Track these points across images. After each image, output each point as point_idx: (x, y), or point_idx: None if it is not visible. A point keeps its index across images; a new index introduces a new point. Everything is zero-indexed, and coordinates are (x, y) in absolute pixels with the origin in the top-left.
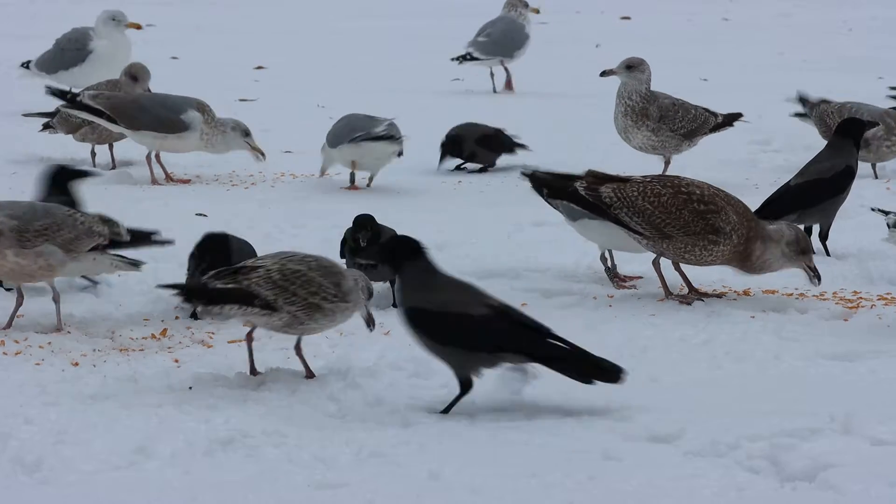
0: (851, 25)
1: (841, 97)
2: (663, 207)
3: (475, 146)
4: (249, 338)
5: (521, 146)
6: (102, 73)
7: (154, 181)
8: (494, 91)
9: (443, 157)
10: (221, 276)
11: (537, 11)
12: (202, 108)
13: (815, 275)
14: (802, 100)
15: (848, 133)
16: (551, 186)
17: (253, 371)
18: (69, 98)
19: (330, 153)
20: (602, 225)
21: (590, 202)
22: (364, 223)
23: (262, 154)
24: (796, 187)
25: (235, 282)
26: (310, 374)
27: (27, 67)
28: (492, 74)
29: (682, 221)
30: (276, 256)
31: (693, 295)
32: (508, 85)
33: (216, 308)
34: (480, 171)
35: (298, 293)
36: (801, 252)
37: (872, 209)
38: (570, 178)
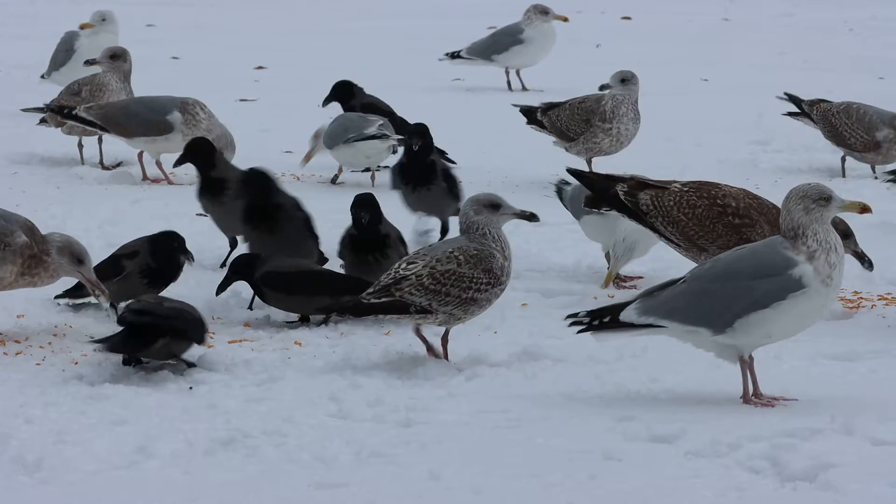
0: (852, 25)
1: (841, 97)
2: (697, 220)
3: (360, 109)
4: (418, 333)
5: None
6: (83, 71)
7: (144, 178)
8: (510, 89)
9: (329, 99)
10: (376, 290)
11: (565, 19)
12: (185, 108)
13: (865, 259)
14: (792, 98)
15: None
16: (594, 188)
17: (430, 351)
18: (66, 113)
19: (326, 151)
20: (605, 222)
21: (628, 208)
22: (366, 202)
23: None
24: None
25: (389, 295)
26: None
27: (45, 77)
28: (507, 73)
29: (716, 234)
30: (425, 256)
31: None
32: (510, 85)
33: (374, 318)
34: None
35: (451, 292)
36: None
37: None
38: (613, 180)
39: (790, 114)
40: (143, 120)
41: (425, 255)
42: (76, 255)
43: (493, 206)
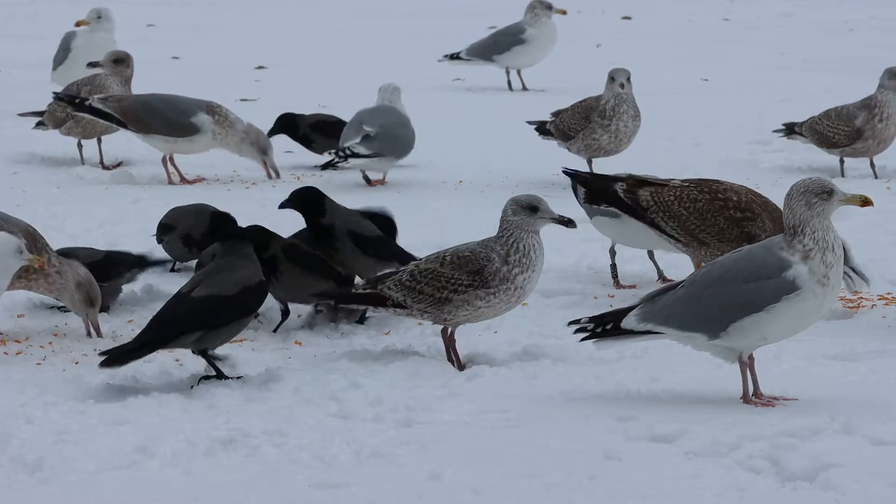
0: (852, 25)
1: (841, 97)
2: (698, 213)
3: (309, 130)
4: (445, 334)
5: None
6: (80, 70)
7: (170, 182)
8: (510, 89)
9: (274, 131)
10: (370, 282)
11: (564, 12)
12: (212, 110)
13: (852, 280)
14: (787, 126)
15: None
16: (591, 187)
17: (456, 365)
18: (77, 102)
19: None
20: (617, 222)
21: (628, 205)
22: (297, 197)
23: (277, 174)
24: None
25: (373, 287)
26: (459, 367)
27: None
28: (507, 73)
29: (717, 228)
30: (426, 258)
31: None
32: (510, 85)
33: (362, 308)
34: (321, 161)
35: (425, 290)
36: None
37: None
38: (611, 180)
39: (785, 135)
40: (168, 119)
41: (434, 255)
42: (92, 298)
43: (531, 208)
